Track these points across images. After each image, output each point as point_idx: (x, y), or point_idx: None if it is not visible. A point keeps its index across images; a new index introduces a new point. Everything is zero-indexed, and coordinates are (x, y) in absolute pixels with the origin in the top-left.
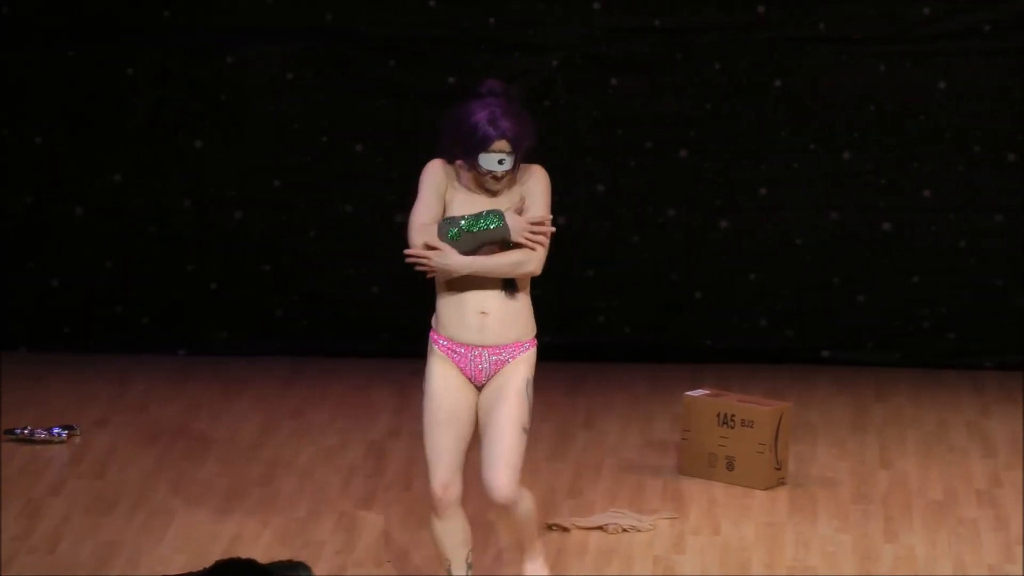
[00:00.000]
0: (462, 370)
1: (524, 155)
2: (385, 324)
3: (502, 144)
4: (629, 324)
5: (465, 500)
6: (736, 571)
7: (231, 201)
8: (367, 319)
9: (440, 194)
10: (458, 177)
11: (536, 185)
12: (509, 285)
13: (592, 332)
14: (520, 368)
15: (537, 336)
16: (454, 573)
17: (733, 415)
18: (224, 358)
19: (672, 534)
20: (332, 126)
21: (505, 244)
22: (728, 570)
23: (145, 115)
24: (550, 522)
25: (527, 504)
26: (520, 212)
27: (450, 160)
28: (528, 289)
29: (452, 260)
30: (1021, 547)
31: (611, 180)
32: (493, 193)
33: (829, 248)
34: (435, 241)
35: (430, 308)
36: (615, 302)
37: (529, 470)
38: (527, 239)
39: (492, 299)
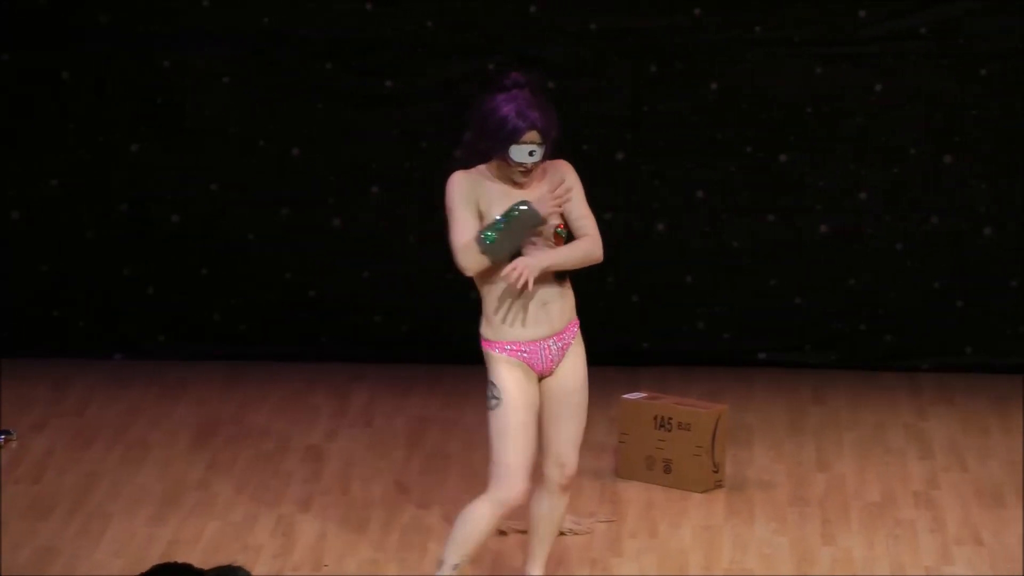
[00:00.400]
0: (532, 367)
1: (552, 146)
2: (323, 328)
3: (532, 135)
4: None
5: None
6: (674, 573)
7: (168, 204)
8: (305, 323)
9: (473, 207)
10: (484, 180)
11: (572, 179)
12: (557, 273)
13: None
14: (581, 351)
15: None
16: (453, 573)
17: (670, 418)
18: (162, 362)
19: (609, 537)
20: (269, 129)
21: (539, 231)
22: (666, 572)
23: (82, 119)
24: None
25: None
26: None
27: (468, 163)
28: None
29: (534, 261)
30: (958, 548)
31: None
32: (521, 186)
33: (766, 250)
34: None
35: (469, 316)
36: None
37: (468, 474)
38: (554, 207)
39: (549, 289)
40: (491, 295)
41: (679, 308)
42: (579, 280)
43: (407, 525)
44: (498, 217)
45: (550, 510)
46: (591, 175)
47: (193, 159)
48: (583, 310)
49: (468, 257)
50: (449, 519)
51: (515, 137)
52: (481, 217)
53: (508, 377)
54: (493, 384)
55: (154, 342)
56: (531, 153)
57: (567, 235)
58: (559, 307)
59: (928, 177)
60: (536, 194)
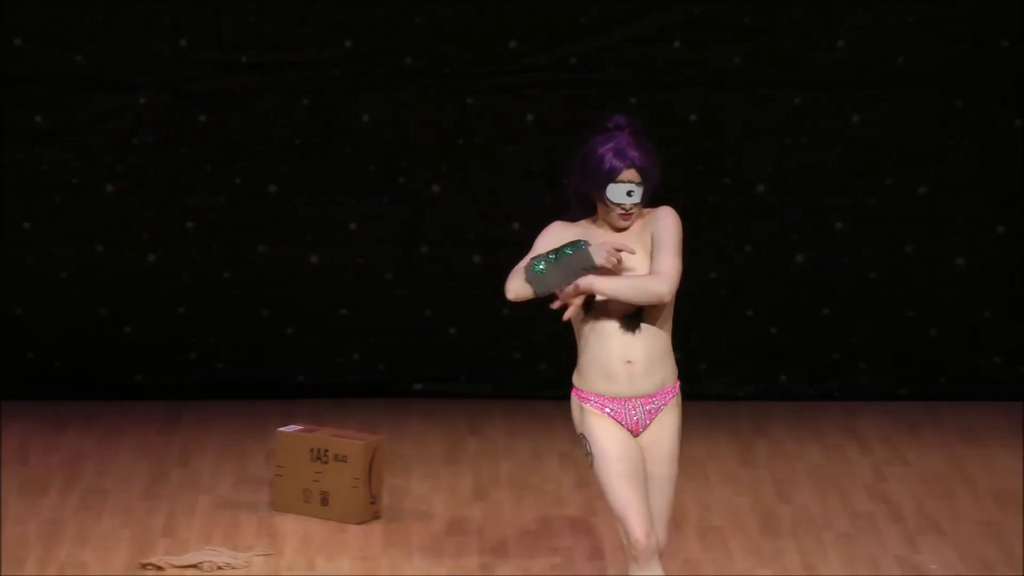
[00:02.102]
0: (620, 423)
1: (653, 190)
2: None
3: (631, 174)
4: (222, 360)
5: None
6: None
7: None
8: None
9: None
10: (585, 229)
11: (664, 223)
12: (639, 324)
13: (185, 369)
14: (673, 418)
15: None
16: None
17: (327, 450)
18: None
19: (267, 570)
20: None
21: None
22: None
23: None
24: (145, 561)
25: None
26: (650, 254)
27: (575, 213)
28: (670, 330)
29: (595, 283)
30: (615, 575)
31: (201, 216)
32: (623, 231)
33: (420, 281)
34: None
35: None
36: (209, 338)
37: (124, 510)
38: (608, 260)
39: (636, 346)
40: (581, 342)
41: (334, 340)
42: (235, 313)
43: (64, 562)
44: (560, 250)
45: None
46: (244, 208)
47: None
48: (240, 342)
49: (512, 281)
50: (106, 557)
51: (612, 175)
52: None
53: (599, 427)
54: (584, 438)
55: None
56: (629, 193)
57: None
58: (646, 367)
59: None
60: (634, 243)
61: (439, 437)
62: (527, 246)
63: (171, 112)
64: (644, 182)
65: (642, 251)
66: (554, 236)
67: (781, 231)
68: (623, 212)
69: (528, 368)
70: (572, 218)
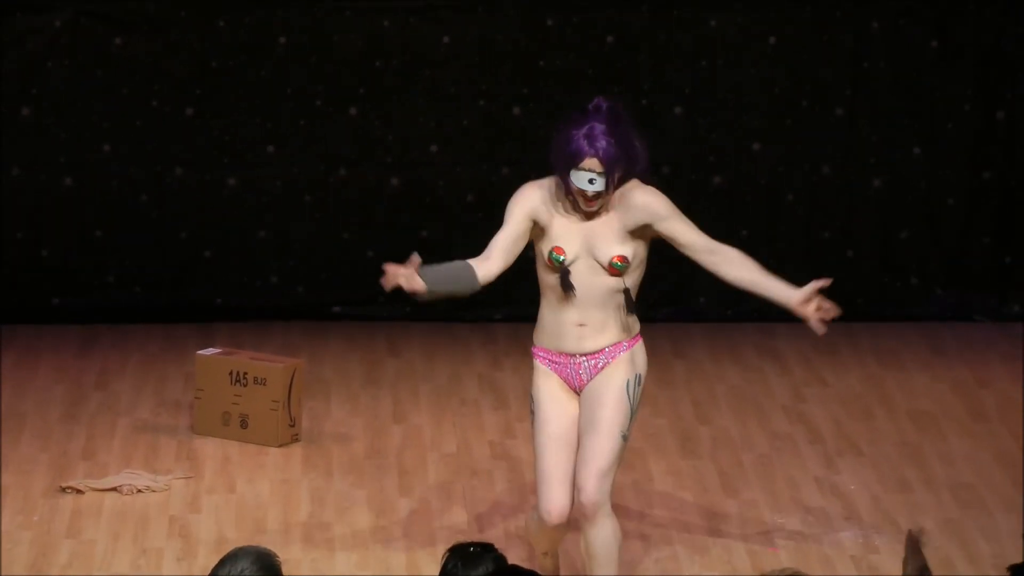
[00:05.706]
0: (564, 380)
1: (624, 178)
2: None
3: (593, 163)
4: (140, 284)
5: None
6: (252, 528)
7: None
8: None
9: (526, 220)
10: (555, 198)
11: (654, 208)
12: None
13: (103, 292)
14: (621, 369)
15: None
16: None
17: (246, 373)
18: None
19: (187, 493)
20: None
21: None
22: (244, 528)
23: None
24: (64, 484)
25: (611, 530)
26: (642, 236)
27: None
28: (637, 286)
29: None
30: (535, 497)
31: (118, 140)
32: (588, 216)
33: (337, 203)
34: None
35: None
36: (126, 261)
37: (43, 434)
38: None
39: (591, 311)
40: (543, 300)
41: (252, 263)
42: (152, 236)
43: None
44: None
45: (585, 546)
46: (160, 131)
47: None
48: (157, 265)
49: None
50: (25, 480)
51: (575, 161)
52: (543, 231)
53: (543, 388)
54: (531, 396)
55: None
56: (591, 181)
57: (623, 267)
58: (598, 328)
59: (495, 129)
60: (607, 227)
61: (358, 359)
62: (443, 168)
63: (86, 34)
64: (607, 173)
65: (613, 235)
66: (524, 198)
67: (698, 152)
68: (586, 199)
69: None
70: (544, 177)
